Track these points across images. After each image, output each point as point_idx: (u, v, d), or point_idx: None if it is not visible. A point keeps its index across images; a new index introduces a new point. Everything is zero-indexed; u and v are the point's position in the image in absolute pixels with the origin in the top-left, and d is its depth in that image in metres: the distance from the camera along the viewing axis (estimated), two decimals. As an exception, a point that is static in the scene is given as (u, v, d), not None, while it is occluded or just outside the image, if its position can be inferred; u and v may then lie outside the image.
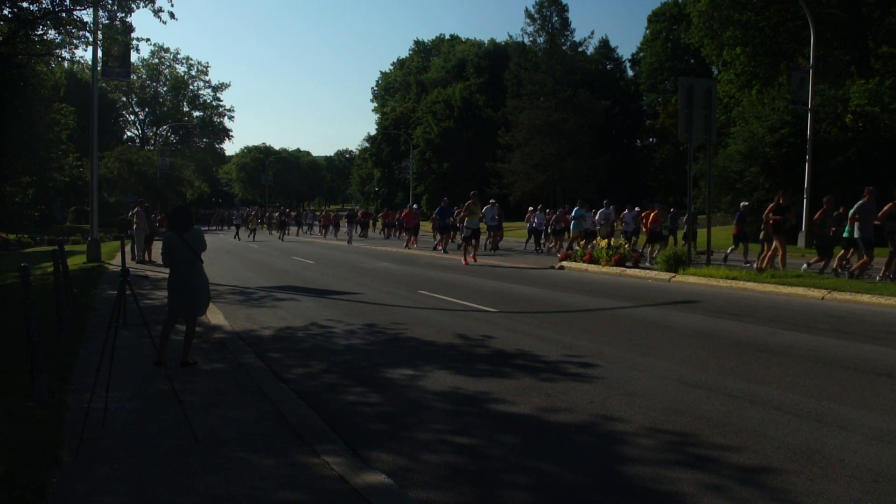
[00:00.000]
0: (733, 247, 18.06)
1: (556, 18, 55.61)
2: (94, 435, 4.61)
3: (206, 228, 55.09)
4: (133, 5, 17.67)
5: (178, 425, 4.84)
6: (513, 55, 59.05)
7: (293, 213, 53.47)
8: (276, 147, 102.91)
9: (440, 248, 24.59)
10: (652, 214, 18.45)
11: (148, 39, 64.14)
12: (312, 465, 4.22)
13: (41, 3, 17.43)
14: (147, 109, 79.79)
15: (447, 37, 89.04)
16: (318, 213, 48.29)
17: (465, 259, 18.55)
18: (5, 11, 17.70)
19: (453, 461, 4.38)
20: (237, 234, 38.31)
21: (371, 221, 44.20)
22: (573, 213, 21.02)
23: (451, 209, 25.15)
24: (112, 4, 17.62)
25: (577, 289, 13.00)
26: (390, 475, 4.08)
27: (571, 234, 21.03)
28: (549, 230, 23.27)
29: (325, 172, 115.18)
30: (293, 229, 38.00)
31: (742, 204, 18.70)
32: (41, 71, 24.94)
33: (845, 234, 13.83)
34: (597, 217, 20.70)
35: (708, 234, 16.86)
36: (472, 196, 18.98)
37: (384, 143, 74.26)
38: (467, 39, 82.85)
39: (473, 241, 18.91)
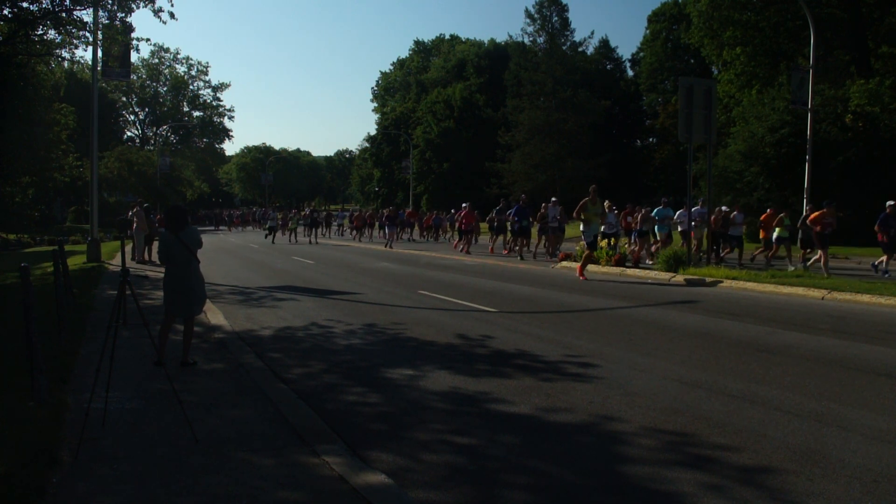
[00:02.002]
0: (886, 257, 14.55)
1: (556, 18, 55.58)
2: (94, 435, 4.61)
3: (213, 229, 54.74)
4: (133, 5, 17.70)
5: (178, 425, 4.84)
6: (513, 55, 59.04)
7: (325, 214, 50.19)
8: (276, 147, 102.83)
9: (505, 252, 22.02)
10: (817, 214, 14.74)
11: (148, 39, 64.32)
12: (312, 465, 4.22)
13: (41, 3, 17.45)
14: (147, 109, 79.83)
15: (447, 37, 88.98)
16: (355, 213, 41.07)
17: (582, 273, 14.51)
18: (5, 11, 17.70)
19: (453, 461, 4.37)
20: (273, 236, 33.44)
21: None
22: (655, 213, 18.16)
23: (529, 209, 21.24)
24: (112, 4, 17.65)
25: (577, 289, 12.99)
26: (390, 475, 4.08)
27: (658, 238, 17.93)
28: (634, 234, 19.15)
29: (325, 172, 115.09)
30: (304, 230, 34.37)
31: (889, 204, 14.59)
32: (41, 71, 24.91)
33: None
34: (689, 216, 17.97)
35: (709, 235, 16.72)
36: (592, 192, 14.43)
37: (384, 143, 74.25)
38: (467, 39, 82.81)
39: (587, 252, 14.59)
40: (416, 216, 37.74)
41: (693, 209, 17.65)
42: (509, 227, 22.33)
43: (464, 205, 26.43)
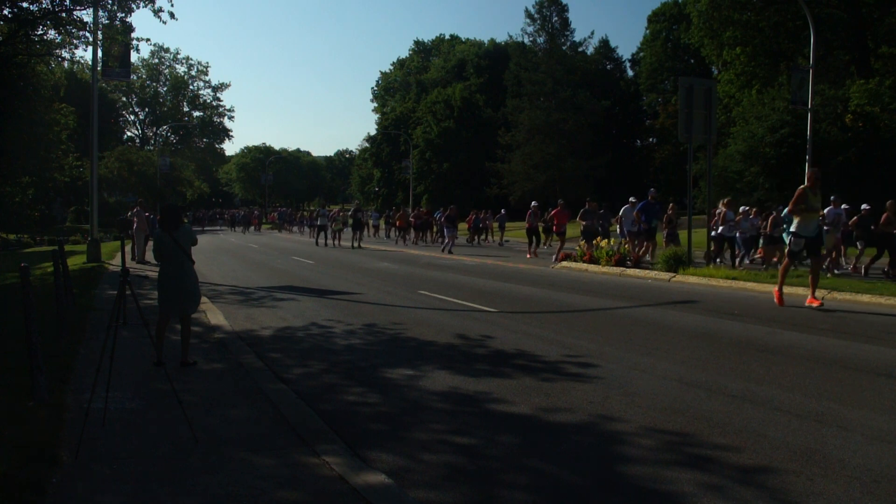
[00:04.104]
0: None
1: (556, 18, 55.53)
2: (94, 435, 4.61)
3: (220, 229, 54.29)
4: (133, 5, 17.68)
5: (178, 425, 4.83)
6: (513, 55, 58.98)
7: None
8: (276, 147, 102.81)
9: (635, 257, 16.57)
10: None
11: (148, 39, 64.01)
12: (312, 465, 4.22)
13: (41, 3, 17.43)
14: (147, 109, 79.78)
15: (447, 37, 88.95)
16: (397, 213, 35.22)
17: (813, 296, 10.36)
18: (5, 11, 17.68)
19: (453, 461, 4.37)
20: (325, 238, 29.26)
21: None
22: (784, 215, 13.27)
23: (660, 206, 17.91)
24: (112, 4, 17.63)
25: (577, 289, 12.99)
26: (390, 475, 4.08)
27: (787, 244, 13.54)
28: (761, 240, 15.60)
29: (325, 172, 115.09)
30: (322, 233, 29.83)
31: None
32: (41, 71, 24.90)
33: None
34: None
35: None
36: (811, 175, 10.52)
37: (384, 143, 74.21)
38: (467, 39, 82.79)
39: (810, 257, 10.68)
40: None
41: (826, 209, 14.31)
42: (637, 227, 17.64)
43: (533, 202, 22.55)
